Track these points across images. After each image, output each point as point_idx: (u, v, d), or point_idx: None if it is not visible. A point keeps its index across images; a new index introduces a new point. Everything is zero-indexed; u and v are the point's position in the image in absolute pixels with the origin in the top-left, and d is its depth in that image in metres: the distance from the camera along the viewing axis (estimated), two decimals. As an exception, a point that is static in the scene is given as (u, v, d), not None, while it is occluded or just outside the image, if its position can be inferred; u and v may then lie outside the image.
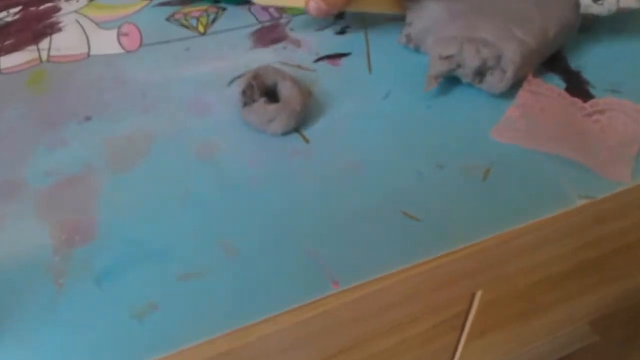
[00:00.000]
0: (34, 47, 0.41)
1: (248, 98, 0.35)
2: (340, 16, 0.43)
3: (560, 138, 0.34)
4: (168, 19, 0.44)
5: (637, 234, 0.42)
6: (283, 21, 0.43)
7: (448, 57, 0.36)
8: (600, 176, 0.32)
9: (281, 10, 0.44)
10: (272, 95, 0.36)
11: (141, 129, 0.36)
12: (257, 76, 0.35)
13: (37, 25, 0.43)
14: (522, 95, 0.37)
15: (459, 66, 0.36)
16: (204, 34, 0.43)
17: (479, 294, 0.38)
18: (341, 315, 0.29)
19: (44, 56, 0.41)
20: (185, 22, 0.44)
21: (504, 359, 0.51)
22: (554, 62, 0.39)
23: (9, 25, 0.43)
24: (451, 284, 0.32)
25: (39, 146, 0.35)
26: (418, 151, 0.34)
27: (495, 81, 0.36)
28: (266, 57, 0.40)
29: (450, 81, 0.38)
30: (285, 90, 0.35)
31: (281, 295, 0.27)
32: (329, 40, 0.42)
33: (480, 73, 0.36)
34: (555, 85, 0.37)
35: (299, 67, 0.39)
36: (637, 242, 0.44)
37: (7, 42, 0.42)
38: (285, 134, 0.35)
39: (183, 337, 0.26)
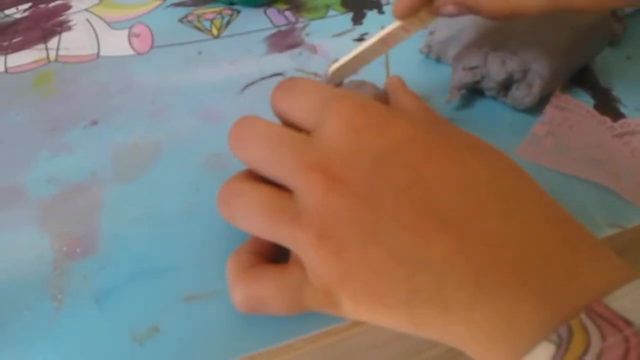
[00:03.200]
0: (42, 46, 0.40)
1: None
2: (358, 22, 0.42)
3: (589, 159, 0.32)
4: (181, 20, 0.42)
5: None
6: (299, 25, 0.42)
7: (472, 68, 0.34)
8: (631, 203, 0.31)
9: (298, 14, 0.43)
10: None
11: (149, 136, 0.34)
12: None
13: (46, 23, 0.42)
14: (549, 111, 0.35)
15: (483, 78, 0.34)
16: (217, 37, 0.41)
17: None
18: (358, 342, 0.27)
19: (52, 55, 0.39)
20: (198, 24, 0.42)
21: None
22: (582, 76, 0.37)
23: (17, 22, 0.42)
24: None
25: (43, 151, 0.33)
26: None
27: (521, 95, 0.34)
28: (281, 62, 0.39)
29: (474, 94, 0.36)
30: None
31: (294, 321, 0.26)
32: (346, 47, 0.40)
33: (506, 86, 0.34)
34: (584, 102, 0.36)
35: (315, 74, 0.38)
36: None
37: (15, 40, 0.40)
38: None
39: (186, 362, 0.25)
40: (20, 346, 0.25)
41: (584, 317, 0.19)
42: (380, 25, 0.42)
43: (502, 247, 0.21)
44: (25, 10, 0.43)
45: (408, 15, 0.32)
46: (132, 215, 0.30)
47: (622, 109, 0.35)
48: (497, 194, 0.22)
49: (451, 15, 0.31)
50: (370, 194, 0.22)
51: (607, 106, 0.36)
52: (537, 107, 0.35)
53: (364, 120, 0.23)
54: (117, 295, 0.27)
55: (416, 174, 0.22)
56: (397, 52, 0.40)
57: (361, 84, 0.33)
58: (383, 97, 0.32)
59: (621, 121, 0.34)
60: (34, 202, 0.31)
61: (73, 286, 0.27)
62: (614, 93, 0.37)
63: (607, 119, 0.35)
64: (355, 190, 0.22)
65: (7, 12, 0.43)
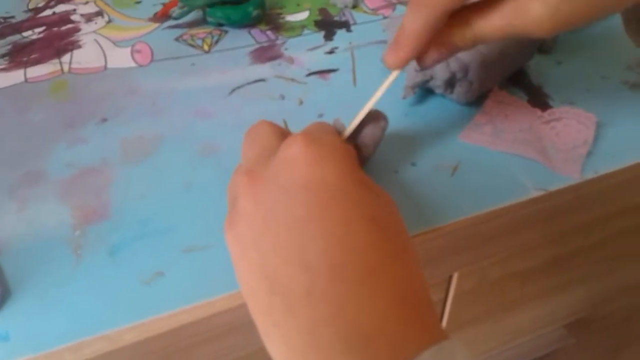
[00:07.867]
0: (56, 61, 0.46)
1: None
2: (329, 38, 0.49)
3: (520, 141, 0.39)
4: (177, 39, 0.49)
5: (594, 235, 0.46)
6: (279, 42, 0.49)
7: (422, 70, 0.41)
8: (554, 172, 0.37)
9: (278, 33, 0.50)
10: None
11: (151, 130, 0.40)
12: None
13: (59, 43, 0.48)
14: (489, 104, 0.41)
15: (431, 77, 0.41)
16: (208, 52, 0.48)
17: (455, 281, 0.41)
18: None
19: (65, 68, 0.46)
20: (191, 42, 0.49)
21: (480, 358, 0.55)
22: (517, 78, 0.44)
23: (33, 42, 0.48)
24: (427, 264, 0.36)
25: (60, 143, 0.39)
26: (395, 152, 0.39)
27: (463, 91, 0.41)
28: (263, 71, 0.45)
29: (425, 92, 0.43)
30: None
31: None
32: (319, 58, 0.47)
33: (450, 84, 0.41)
34: (518, 97, 0.42)
35: (292, 80, 0.44)
36: (598, 242, 0.48)
37: (32, 56, 0.47)
38: None
39: (187, 298, 0.30)
40: (47, 289, 0.31)
41: None
42: (348, 42, 0.49)
43: (340, 309, 0.23)
44: (40, 32, 0.49)
45: (402, 66, 0.33)
46: (138, 190, 0.36)
47: (551, 103, 0.42)
48: (359, 263, 0.24)
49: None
50: (269, 211, 0.25)
51: (539, 101, 0.42)
52: (477, 102, 0.41)
53: (302, 154, 0.26)
54: (127, 250, 0.33)
55: (307, 215, 0.25)
56: (362, 61, 0.47)
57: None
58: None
59: (549, 110, 0.41)
60: (55, 181, 0.36)
61: (89, 244, 0.33)
62: (545, 90, 0.43)
63: (538, 110, 0.41)
64: (260, 202, 0.26)
65: (25, 34, 0.49)
